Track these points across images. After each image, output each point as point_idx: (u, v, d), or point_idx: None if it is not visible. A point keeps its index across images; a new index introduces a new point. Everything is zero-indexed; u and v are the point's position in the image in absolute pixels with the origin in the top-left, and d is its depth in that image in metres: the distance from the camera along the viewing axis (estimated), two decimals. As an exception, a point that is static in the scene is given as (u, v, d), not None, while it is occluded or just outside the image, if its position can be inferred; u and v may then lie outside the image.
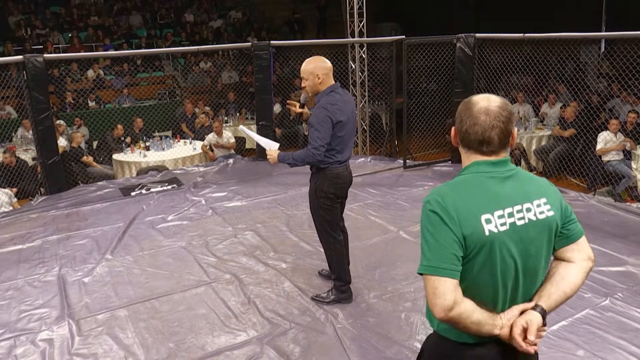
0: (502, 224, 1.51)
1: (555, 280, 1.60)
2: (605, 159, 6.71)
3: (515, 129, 1.62)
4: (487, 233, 1.49)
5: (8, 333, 3.50)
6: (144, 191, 6.46)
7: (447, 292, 1.44)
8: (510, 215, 1.52)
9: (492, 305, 1.55)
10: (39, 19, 13.81)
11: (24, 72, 6.09)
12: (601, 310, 3.50)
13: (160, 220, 5.47)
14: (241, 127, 4.21)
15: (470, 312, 1.48)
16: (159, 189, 6.52)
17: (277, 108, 10.23)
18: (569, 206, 1.67)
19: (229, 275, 4.20)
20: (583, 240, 1.67)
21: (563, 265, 1.64)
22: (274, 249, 4.67)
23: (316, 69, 3.37)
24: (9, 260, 4.65)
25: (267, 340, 3.30)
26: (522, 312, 1.55)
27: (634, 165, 6.57)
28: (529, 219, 1.55)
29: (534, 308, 1.55)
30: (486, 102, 1.56)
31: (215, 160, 7.86)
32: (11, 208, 6.23)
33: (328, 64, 3.42)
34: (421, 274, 1.49)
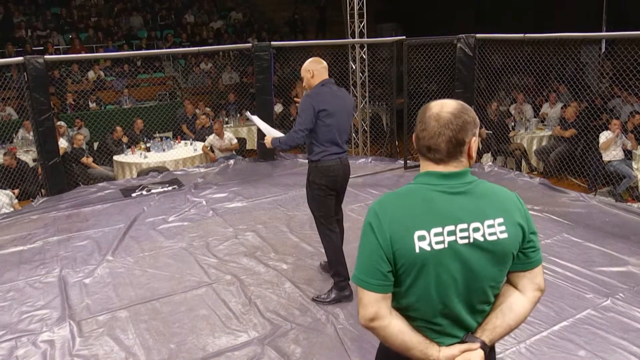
0: (439, 242, 1.44)
1: (502, 312, 1.55)
2: (606, 159, 6.71)
3: (474, 139, 1.52)
4: (417, 250, 1.43)
5: (9, 334, 3.50)
6: (144, 192, 6.46)
7: (369, 304, 1.46)
8: (451, 233, 1.45)
9: (432, 319, 1.51)
10: (40, 21, 13.82)
11: (25, 74, 6.09)
12: (602, 311, 3.49)
13: (161, 221, 5.47)
14: (247, 113, 4.36)
15: (396, 331, 1.48)
16: (160, 190, 6.53)
17: (278, 108, 10.25)
18: (536, 233, 1.57)
19: (230, 276, 4.20)
20: (538, 269, 1.59)
21: (512, 294, 1.58)
22: (274, 249, 4.66)
23: (309, 66, 3.66)
24: (10, 262, 4.65)
25: (268, 341, 3.30)
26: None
27: (634, 166, 6.56)
28: (475, 239, 1.46)
29: (476, 342, 1.52)
30: (439, 108, 1.50)
31: (216, 161, 7.87)
32: (12, 209, 6.23)
33: (322, 63, 3.68)
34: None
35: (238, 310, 3.68)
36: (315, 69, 3.64)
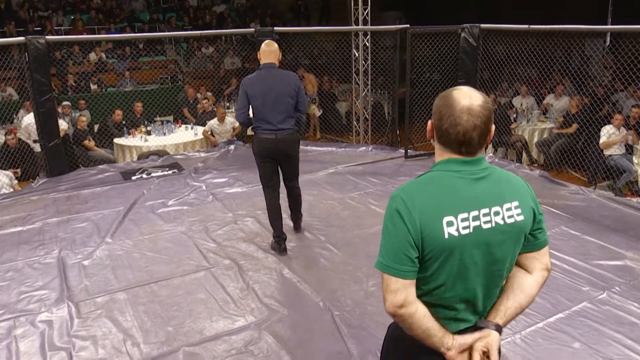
0: (465, 227, 1.47)
1: (514, 293, 1.60)
2: (606, 153, 6.69)
3: (493, 127, 1.54)
4: (446, 236, 1.45)
5: (8, 314, 3.52)
6: (144, 175, 6.46)
7: (399, 290, 1.46)
8: (476, 218, 1.48)
9: (451, 304, 1.53)
10: (42, 1, 13.71)
11: (26, 54, 6.07)
12: (598, 304, 3.51)
13: (161, 205, 5.48)
14: None
15: (421, 317, 1.49)
16: (160, 173, 6.53)
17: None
18: (542, 214, 1.62)
19: (228, 261, 4.21)
20: (545, 249, 1.64)
21: (521, 275, 1.62)
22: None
23: (260, 49, 4.11)
24: (9, 242, 4.67)
25: (265, 326, 3.32)
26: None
27: (635, 160, 6.55)
28: (496, 223, 1.51)
29: (491, 326, 1.56)
30: (468, 100, 1.47)
31: (217, 146, 7.86)
32: (12, 190, 6.24)
33: (270, 47, 4.08)
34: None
35: (236, 295, 3.70)
36: (262, 52, 4.08)
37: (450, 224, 1.46)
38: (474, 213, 1.49)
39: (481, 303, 1.57)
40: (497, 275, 1.56)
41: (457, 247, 1.47)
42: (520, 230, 1.55)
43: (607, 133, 6.63)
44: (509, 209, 1.53)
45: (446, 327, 1.54)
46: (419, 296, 1.52)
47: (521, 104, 8.58)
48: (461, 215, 1.47)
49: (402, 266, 1.46)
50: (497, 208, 1.51)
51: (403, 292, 1.46)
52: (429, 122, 1.58)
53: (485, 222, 1.50)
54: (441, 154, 1.56)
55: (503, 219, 1.52)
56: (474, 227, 1.48)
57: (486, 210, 1.50)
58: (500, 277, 1.58)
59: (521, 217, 1.54)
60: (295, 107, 4.11)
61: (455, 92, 1.51)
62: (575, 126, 7.37)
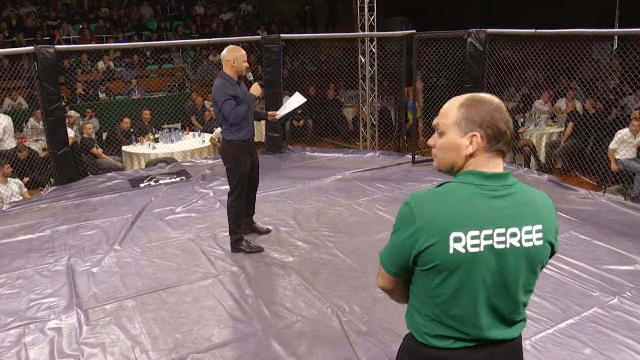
0: (475, 246, 1.42)
1: None
2: (616, 156, 6.64)
3: None
4: (451, 251, 1.42)
5: (17, 321, 3.54)
6: (152, 183, 6.49)
7: (384, 278, 1.64)
8: (488, 237, 1.43)
9: (455, 318, 1.50)
10: (50, 10, 13.87)
11: (35, 63, 6.13)
12: (609, 309, 3.48)
13: (169, 212, 5.49)
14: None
15: (398, 297, 1.70)
16: (168, 180, 6.55)
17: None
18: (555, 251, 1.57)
19: (236, 267, 4.21)
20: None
21: None
22: (281, 242, 4.67)
23: None
24: (18, 250, 4.70)
25: (273, 333, 3.31)
26: None
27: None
28: (511, 245, 1.45)
29: None
30: (498, 102, 1.50)
31: (224, 153, 7.88)
32: (21, 198, 6.28)
33: (224, 52, 4.35)
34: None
35: (244, 302, 3.70)
36: None
37: (457, 240, 1.42)
38: (487, 232, 1.43)
39: (488, 326, 1.51)
40: (509, 300, 1.50)
41: (462, 264, 1.43)
42: (537, 255, 1.49)
43: (620, 139, 6.54)
44: (528, 232, 1.46)
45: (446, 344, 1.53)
46: (423, 309, 1.53)
47: (533, 110, 8.53)
48: (471, 233, 1.42)
49: (391, 266, 1.56)
50: (515, 229, 1.45)
51: (386, 280, 1.63)
52: (474, 138, 1.47)
53: (498, 243, 1.44)
54: (469, 162, 1.50)
55: (520, 241, 1.46)
56: (485, 246, 1.43)
57: (501, 230, 1.44)
58: (515, 302, 1.51)
59: (540, 242, 1.48)
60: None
61: (481, 96, 1.51)
62: (571, 125, 7.32)
